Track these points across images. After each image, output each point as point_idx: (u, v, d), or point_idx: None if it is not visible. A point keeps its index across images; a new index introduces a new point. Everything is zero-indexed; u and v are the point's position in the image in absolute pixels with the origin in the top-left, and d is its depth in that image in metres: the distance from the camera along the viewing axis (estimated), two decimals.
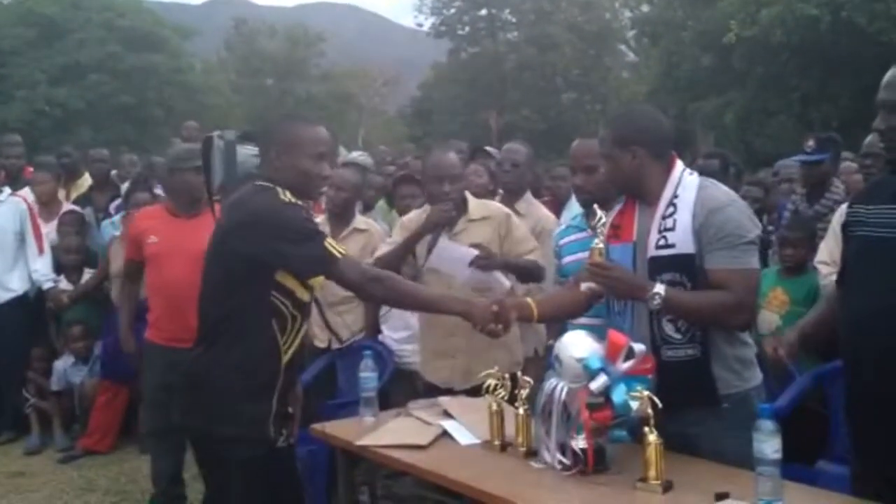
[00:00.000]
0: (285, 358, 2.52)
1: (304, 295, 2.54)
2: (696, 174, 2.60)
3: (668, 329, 2.49)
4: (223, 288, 2.52)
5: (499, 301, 2.70)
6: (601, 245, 2.54)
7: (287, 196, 2.50)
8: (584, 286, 2.67)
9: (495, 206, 3.71)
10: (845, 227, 2.32)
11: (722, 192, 2.55)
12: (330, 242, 2.51)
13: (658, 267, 2.49)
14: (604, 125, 2.69)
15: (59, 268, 5.87)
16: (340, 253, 2.50)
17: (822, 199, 4.86)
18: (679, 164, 2.58)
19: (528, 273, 3.51)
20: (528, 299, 2.82)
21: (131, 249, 4.36)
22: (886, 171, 2.19)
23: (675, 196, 2.51)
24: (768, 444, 1.98)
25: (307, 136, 2.59)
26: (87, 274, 5.76)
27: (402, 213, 4.64)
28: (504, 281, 3.40)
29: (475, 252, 3.34)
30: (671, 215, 2.50)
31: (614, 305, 2.63)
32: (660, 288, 2.41)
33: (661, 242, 2.50)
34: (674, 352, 2.47)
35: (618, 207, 2.73)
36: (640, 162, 2.54)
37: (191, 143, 5.34)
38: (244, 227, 2.48)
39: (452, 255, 3.39)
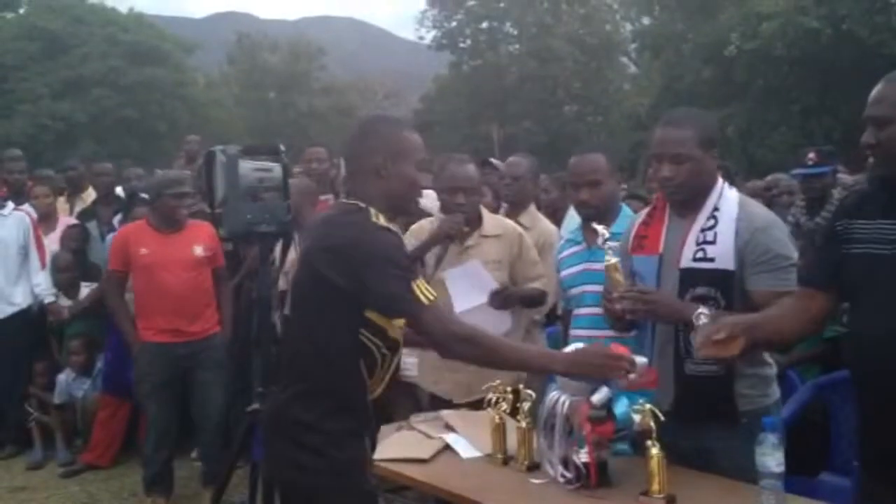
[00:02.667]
0: (371, 398, 2.25)
1: (397, 335, 2.26)
2: (734, 189, 2.57)
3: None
4: (308, 319, 2.25)
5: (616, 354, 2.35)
6: (614, 260, 2.49)
7: (380, 219, 2.22)
8: (620, 306, 2.50)
9: (510, 224, 3.70)
10: (837, 240, 2.24)
11: (764, 211, 2.55)
12: (419, 285, 2.18)
13: (692, 279, 2.44)
14: (681, 126, 2.51)
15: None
16: (428, 299, 2.17)
17: (823, 211, 4.86)
18: (720, 177, 2.56)
19: (533, 301, 3.56)
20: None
21: (117, 261, 4.69)
22: (875, 184, 2.18)
23: (717, 209, 2.47)
24: (772, 458, 1.99)
25: (413, 141, 2.32)
26: (86, 288, 5.74)
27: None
28: (508, 322, 3.41)
29: (496, 285, 3.34)
30: (711, 228, 2.46)
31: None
32: (703, 309, 2.32)
33: (700, 255, 2.45)
34: (696, 367, 2.42)
35: (639, 219, 2.70)
36: (715, 165, 2.52)
37: (176, 171, 5.88)
38: (330, 251, 2.20)
39: (475, 280, 3.38)
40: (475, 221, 3.50)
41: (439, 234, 3.45)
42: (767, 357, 2.55)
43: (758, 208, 2.53)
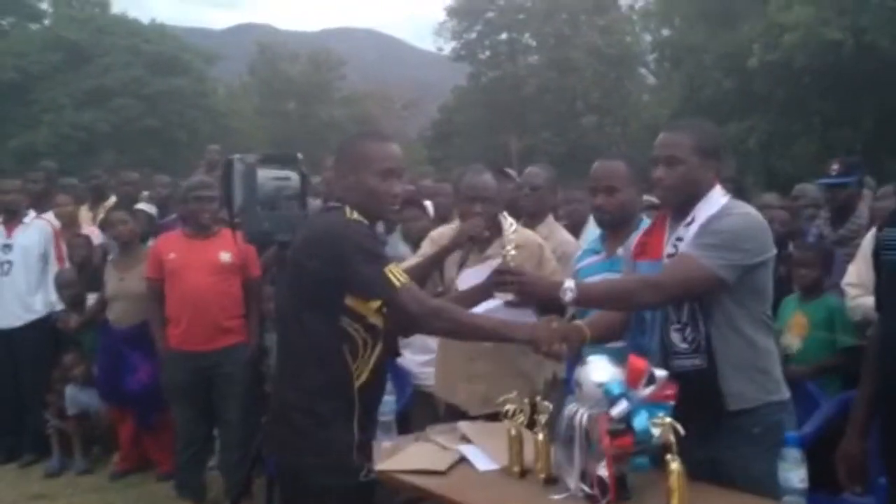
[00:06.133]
0: (358, 383, 2.40)
1: (376, 320, 2.42)
2: (728, 196, 2.55)
3: (675, 338, 2.46)
4: (295, 310, 2.43)
5: (559, 321, 2.64)
6: (513, 252, 2.58)
7: (354, 215, 2.42)
8: (498, 296, 2.70)
9: (531, 235, 3.67)
10: (876, 251, 2.27)
11: (741, 206, 2.51)
12: (391, 269, 2.37)
13: None
14: (679, 131, 2.56)
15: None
16: (401, 281, 2.37)
17: (847, 222, 4.80)
18: (718, 186, 2.54)
19: (545, 298, 3.49)
20: (579, 322, 2.77)
21: (153, 268, 4.75)
22: None
23: (699, 210, 2.48)
24: (795, 473, 1.95)
25: (374, 152, 2.49)
26: (91, 299, 5.63)
27: (406, 233, 4.82)
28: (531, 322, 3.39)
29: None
30: (688, 226, 2.48)
31: (639, 324, 2.60)
32: (570, 283, 2.44)
33: (671, 252, 2.50)
34: (680, 362, 2.44)
35: (643, 226, 2.71)
36: (711, 175, 2.51)
37: (201, 176, 5.74)
38: (308, 244, 2.42)
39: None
40: (495, 231, 3.48)
41: (459, 238, 3.43)
42: (769, 344, 2.50)
43: (736, 205, 2.49)
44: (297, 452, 2.40)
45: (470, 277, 3.29)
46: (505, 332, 2.59)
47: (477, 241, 3.43)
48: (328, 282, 2.35)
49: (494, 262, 3.31)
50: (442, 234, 3.65)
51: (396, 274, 2.38)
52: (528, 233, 3.70)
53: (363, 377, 2.41)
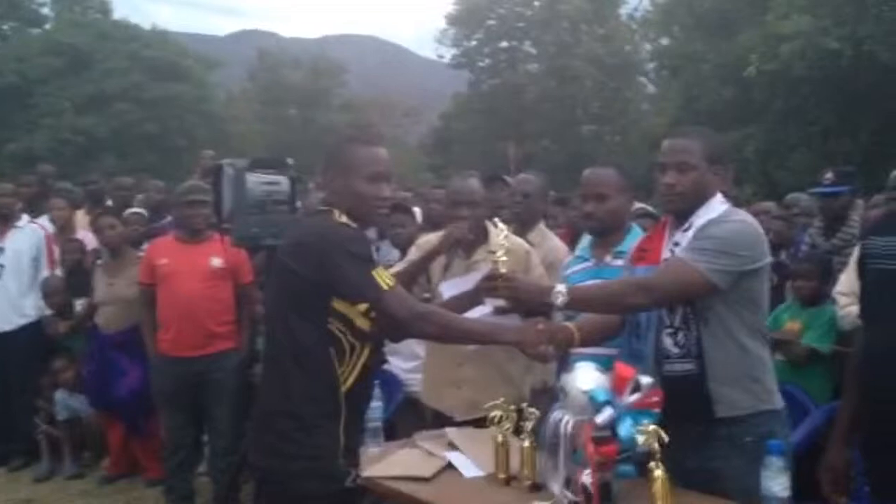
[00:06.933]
0: (344, 388, 2.38)
1: (363, 324, 2.40)
2: (728, 204, 2.55)
3: (667, 343, 2.46)
4: (282, 314, 2.42)
5: (545, 323, 2.62)
6: (503, 258, 2.55)
7: (342, 218, 2.41)
8: (489, 302, 2.70)
9: (517, 240, 3.67)
10: (861, 259, 2.27)
11: (738, 213, 2.50)
12: (378, 272, 2.36)
13: None
14: (688, 137, 2.55)
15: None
16: (388, 284, 2.36)
17: (840, 232, 4.80)
18: (719, 194, 2.54)
19: (533, 304, 3.48)
20: (569, 324, 2.74)
21: (145, 273, 4.73)
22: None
23: (697, 216, 2.48)
24: (776, 482, 1.94)
25: (360, 156, 2.47)
26: (80, 304, 5.65)
27: (393, 240, 4.81)
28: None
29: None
30: (686, 230, 2.48)
31: (635, 329, 2.59)
32: (561, 287, 2.43)
33: (667, 256, 2.50)
34: (671, 366, 2.44)
35: (634, 233, 2.75)
36: (719, 180, 2.51)
37: (195, 180, 5.74)
38: (295, 246, 2.41)
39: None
40: (481, 236, 3.48)
41: (445, 241, 3.42)
42: (763, 351, 2.48)
43: (733, 212, 2.49)
44: (281, 457, 2.37)
45: (451, 288, 3.29)
46: (492, 335, 2.59)
47: (463, 245, 3.43)
48: (315, 285, 2.33)
49: (476, 273, 3.32)
50: (428, 240, 3.65)
51: (384, 277, 2.37)
52: (515, 239, 3.70)
53: (350, 382, 2.39)
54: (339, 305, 2.35)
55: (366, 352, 2.43)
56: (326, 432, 2.36)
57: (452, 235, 3.40)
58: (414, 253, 3.65)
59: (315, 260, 2.33)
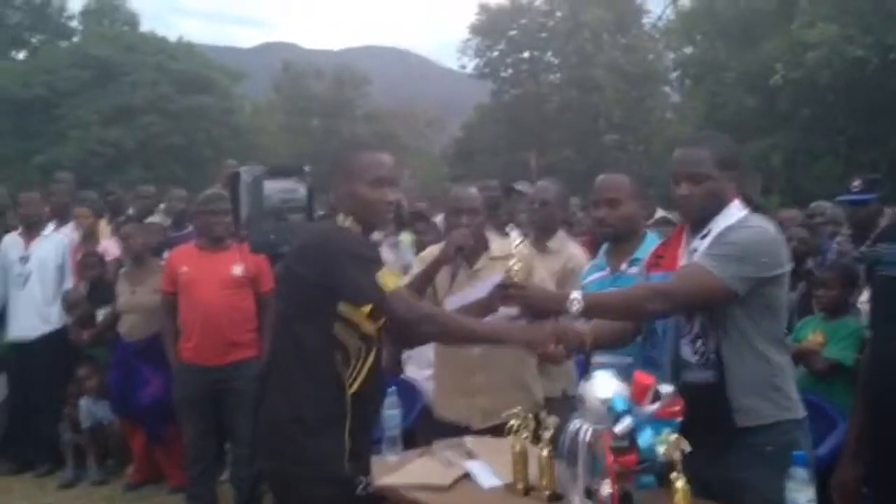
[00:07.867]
0: (349, 392, 2.39)
1: (369, 328, 2.42)
2: (747, 210, 2.51)
3: (686, 351, 2.43)
4: (287, 318, 2.46)
5: (555, 324, 2.58)
6: (517, 266, 2.53)
7: (346, 222, 2.45)
8: (502, 311, 2.68)
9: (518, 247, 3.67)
10: (869, 267, 2.21)
11: (757, 219, 2.46)
12: (383, 275, 2.39)
13: None
14: (698, 145, 2.54)
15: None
16: (392, 286, 2.38)
17: (868, 240, 4.72)
18: (736, 200, 2.51)
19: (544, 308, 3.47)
20: (580, 325, 2.71)
21: (167, 282, 4.76)
22: None
23: (715, 223, 2.45)
24: (802, 494, 1.89)
25: (364, 162, 2.51)
26: (102, 313, 5.67)
27: (419, 245, 4.88)
28: None
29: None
30: (703, 238, 2.45)
31: (651, 337, 2.56)
32: (576, 294, 2.40)
33: (684, 263, 2.48)
34: (691, 375, 2.41)
35: (650, 240, 2.73)
36: (732, 187, 2.49)
37: (216, 189, 5.78)
38: (300, 252, 2.46)
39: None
40: (481, 244, 3.46)
41: (448, 251, 3.40)
42: (784, 361, 2.44)
43: (752, 218, 2.44)
44: (286, 461, 2.39)
45: (457, 301, 3.27)
46: (498, 335, 2.60)
47: (465, 252, 3.41)
48: (320, 288, 2.35)
49: (481, 282, 3.30)
50: (430, 252, 3.64)
51: (388, 279, 2.39)
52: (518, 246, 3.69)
53: (355, 386, 2.40)
54: (344, 309, 2.38)
55: (372, 356, 2.45)
56: (330, 436, 2.37)
57: (453, 244, 3.39)
58: (418, 267, 3.64)
59: (319, 263, 2.36)
